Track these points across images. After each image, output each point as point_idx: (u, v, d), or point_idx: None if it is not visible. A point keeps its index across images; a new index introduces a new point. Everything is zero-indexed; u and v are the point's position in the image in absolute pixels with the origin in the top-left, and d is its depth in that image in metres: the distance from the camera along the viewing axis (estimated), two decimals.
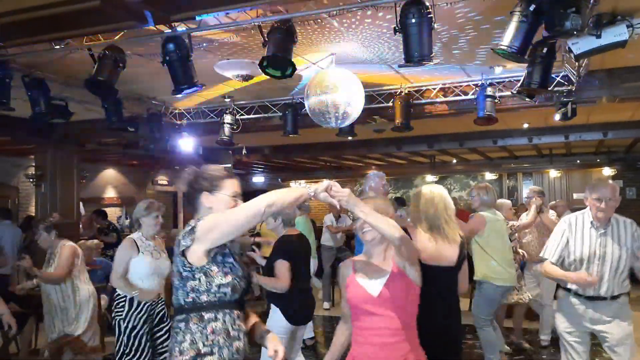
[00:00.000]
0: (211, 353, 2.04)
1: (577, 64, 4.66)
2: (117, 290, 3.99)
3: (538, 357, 5.53)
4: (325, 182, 2.09)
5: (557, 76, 5.17)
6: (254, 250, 4.49)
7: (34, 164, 7.71)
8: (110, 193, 11.93)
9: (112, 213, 11.40)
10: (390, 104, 5.90)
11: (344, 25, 4.02)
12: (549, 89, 4.90)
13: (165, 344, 3.91)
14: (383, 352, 2.29)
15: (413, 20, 3.30)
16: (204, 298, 2.09)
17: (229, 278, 2.12)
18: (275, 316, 3.87)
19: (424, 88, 5.92)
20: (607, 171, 13.09)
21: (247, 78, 4.96)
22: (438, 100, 5.91)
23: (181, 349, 2.05)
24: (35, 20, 3.26)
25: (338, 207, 2.16)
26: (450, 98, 5.84)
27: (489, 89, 5.39)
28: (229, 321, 2.11)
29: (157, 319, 4.05)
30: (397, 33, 3.38)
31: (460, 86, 5.77)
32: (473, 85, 5.68)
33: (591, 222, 3.35)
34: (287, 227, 4.01)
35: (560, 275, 3.42)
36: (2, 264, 6.07)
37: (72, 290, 4.56)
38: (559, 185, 14.95)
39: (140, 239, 4.04)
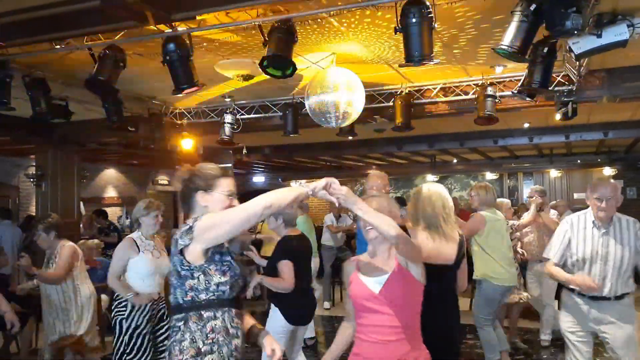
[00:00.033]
0: (211, 351, 2.05)
1: (577, 63, 4.65)
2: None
3: (538, 357, 5.53)
4: (324, 180, 2.09)
5: (558, 76, 5.17)
6: (251, 250, 4.50)
7: (34, 164, 7.69)
8: (110, 193, 11.93)
9: (113, 213, 11.40)
10: (391, 103, 5.90)
11: (344, 25, 4.02)
12: (550, 88, 4.89)
13: (165, 343, 3.91)
14: (383, 350, 2.29)
15: (413, 20, 3.29)
16: (202, 297, 2.09)
17: (228, 276, 2.13)
18: (275, 316, 3.87)
19: (424, 88, 5.92)
20: (608, 171, 13.09)
21: (247, 78, 4.96)
22: (438, 100, 5.91)
23: (181, 347, 2.05)
24: (36, 20, 3.27)
25: (337, 204, 2.17)
26: (451, 98, 5.84)
27: (489, 88, 5.38)
28: (228, 319, 2.12)
29: (157, 318, 4.05)
30: (398, 33, 3.38)
31: (461, 86, 5.77)
32: (473, 84, 5.68)
33: (593, 222, 3.35)
34: (289, 228, 4.01)
35: (563, 278, 3.42)
36: (2, 264, 6.07)
37: (73, 291, 4.56)
38: (559, 185, 14.95)
39: (140, 239, 4.04)
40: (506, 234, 4.91)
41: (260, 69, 3.87)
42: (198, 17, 3.59)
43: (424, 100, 5.94)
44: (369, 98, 5.65)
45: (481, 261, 4.71)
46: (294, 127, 6.12)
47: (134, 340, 3.89)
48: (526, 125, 8.45)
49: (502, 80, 5.58)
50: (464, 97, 5.76)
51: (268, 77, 4.00)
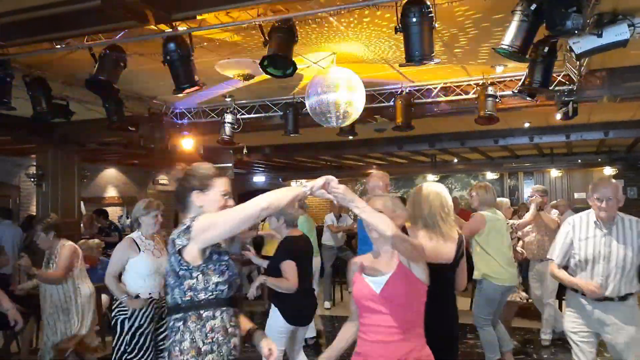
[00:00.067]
0: (211, 351, 2.06)
1: (578, 63, 4.65)
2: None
3: (539, 356, 5.53)
4: (323, 178, 2.09)
5: (559, 75, 5.17)
6: (248, 250, 4.51)
7: (35, 164, 7.71)
8: (111, 192, 11.93)
9: (113, 212, 11.40)
10: (391, 103, 5.90)
11: (343, 24, 4.02)
12: (550, 88, 4.89)
13: (165, 342, 3.91)
14: (383, 350, 2.29)
15: (414, 20, 3.29)
16: (201, 296, 2.09)
17: (226, 276, 2.15)
18: (276, 316, 3.87)
19: (425, 87, 5.92)
20: (608, 171, 13.10)
21: (248, 77, 4.96)
22: (439, 99, 5.90)
23: (181, 348, 2.06)
24: (36, 20, 3.27)
25: (335, 202, 2.17)
26: (452, 97, 5.84)
27: (490, 88, 5.38)
28: (226, 318, 2.13)
29: (158, 317, 4.05)
30: (398, 32, 3.38)
31: (461, 85, 5.76)
32: (474, 84, 5.68)
33: (595, 222, 3.34)
34: (290, 228, 4.01)
35: (567, 280, 3.43)
36: (2, 264, 6.07)
37: (74, 290, 4.57)
38: (560, 184, 14.95)
39: (140, 238, 4.04)
40: (506, 234, 4.91)
41: (260, 69, 3.87)
42: (198, 17, 3.59)
43: (425, 100, 5.94)
44: (370, 98, 5.65)
45: (481, 261, 4.70)
46: (295, 127, 6.12)
47: (135, 340, 3.88)
48: (527, 124, 8.45)
49: (502, 79, 5.58)
50: (464, 96, 5.76)
51: (268, 76, 4.00)
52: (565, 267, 3.52)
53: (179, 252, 2.10)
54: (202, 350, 2.05)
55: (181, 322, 2.09)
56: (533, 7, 3.09)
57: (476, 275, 4.72)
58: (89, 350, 4.66)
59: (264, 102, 6.56)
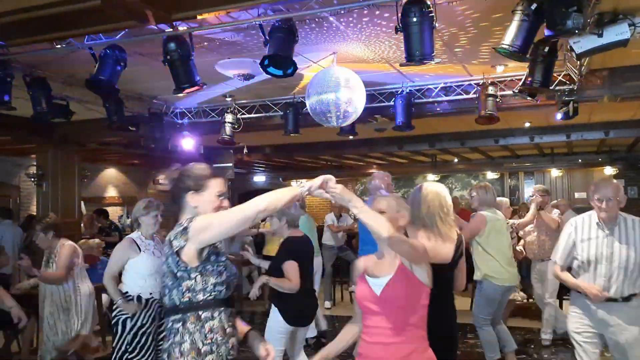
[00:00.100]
0: (211, 352, 2.06)
1: (578, 63, 4.64)
2: (123, 288, 3.96)
3: (539, 356, 5.53)
4: (320, 178, 2.09)
5: (559, 75, 5.16)
6: (247, 250, 4.51)
7: (35, 164, 7.71)
8: (111, 192, 11.94)
9: (114, 212, 11.41)
10: (392, 103, 5.90)
11: (342, 24, 4.01)
12: (551, 88, 4.89)
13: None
14: (383, 352, 2.29)
15: (414, 19, 3.29)
16: (200, 297, 2.09)
17: (224, 276, 2.15)
18: (276, 316, 3.87)
19: (425, 87, 5.92)
20: (609, 170, 13.10)
21: (248, 77, 4.96)
22: (439, 99, 5.90)
23: (181, 350, 2.05)
24: (36, 19, 3.26)
25: (333, 202, 2.17)
26: (452, 97, 5.84)
27: (490, 88, 5.38)
28: (224, 318, 2.13)
29: (159, 317, 4.05)
30: (398, 32, 3.38)
31: (462, 85, 5.76)
32: (474, 84, 5.68)
33: (597, 223, 3.33)
34: (292, 228, 4.01)
35: (571, 282, 3.42)
36: (2, 264, 6.07)
37: (74, 290, 4.57)
38: (560, 184, 14.94)
39: (140, 239, 4.03)
40: (507, 233, 4.91)
41: (261, 68, 3.87)
42: (199, 17, 3.59)
43: (425, 100, 5.94)
44: (370, 97, 5.64)
45: (482, 261, 4.70)
46: (295, 127, 6.12)
47: (137, 339, 3.87)
48: (527, 124, 8.45)
49: (503, 79, 5.58)
50: (465, 96, 5.76)
51: (269, 76, 4.00)
52: (570, 269, 3.51)
53: (177, 253, 2.09)
54: (202, 351, 2.05)
55: (180, 324, 2.09)
56: (533, 6, 3.09)
57: (477, 276, 4.72)
58: (89, 350, 4.66)
59: (264, 102, 6.56)
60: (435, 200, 2.87)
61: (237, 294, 6.69)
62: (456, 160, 13.51)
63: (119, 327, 3.89)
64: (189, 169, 2.26)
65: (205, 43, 4.29)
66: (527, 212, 6.02)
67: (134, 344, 3.86)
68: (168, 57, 3.89)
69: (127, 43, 4.06)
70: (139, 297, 3.91)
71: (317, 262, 6.63)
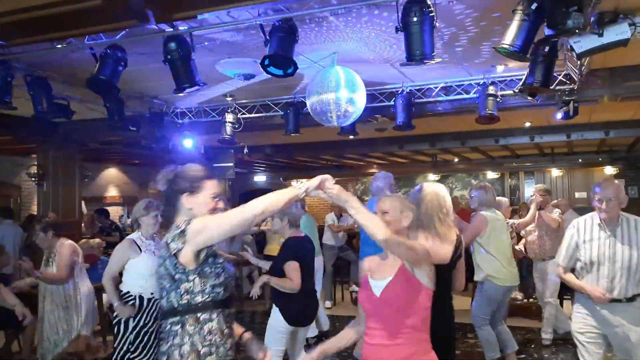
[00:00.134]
0: (210, 353, 2.07)
1: (579, 62, 4.64)
2: (124, 288, 3.97)
3: (540, 356, 5.53)
4: (318, 178, 2.09)
5: (559, 75, 5.16)
6: (246, 250, 4.51)
7: (35, 163, 7.71)
8: (112, 192, 11.95)
9: (114, 212, 11.43)
10: (392, 102, 5.90)
11: (342, 23, 4.02)
12: (551, 87, 4.89)
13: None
14: (382, 353, 2.29)
15: (415, 19, 3.29)
16: (198, 299, 2.09)
17: (222, 278, 2.15)
18: (277, 316, 3.87)
19: (425, 87, 5.92)
20: (609, 170, 13.10)
21: (248, 77, 4.96)
22: (440, 99, 5.90)
23: (181, 352, 2.05)
24: (37, 19, 3.26)
25: (330, 202, 2.17)
26: (452, 97, 5.84)
27: (490, 87, 5.38)
28: (222, 320, 2.14)
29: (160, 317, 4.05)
30: (399, 32, 3.38)
31: (462, 85, 5.76)
32: (475, 84, 5.68)
33: (599, 224, 3.33)
34: (293, 229, 4.02)
35: (575, 284, 3.42)
36: (3, 264, 6.08)
37: (74, 289, 4.57)
38: (560, 184, 14.94)
39: (140, 239, 4.03)
40: (507, 233, 4.90)
41: (261, 68, 3.87)
42: (199, 17, 3.59)
43: (425, 99, 5.94)
44: (370, 97, 5.65)
45: (484, 262, 4.69)
46: (295, 126, 6.12)
47: (139, 339, 3.87)
48: (527, 124, 8.45)
49: (503, 79, 5.58)
50: (465, 96, 5.76)
51: (269, 76, 4.00)
52: (573, 270, 3.51)
53: (175, 255, 2.09)
54: (202, 352, 2.05)
55: (179, 326, 2.08)
56: (534, 6, 3.09)
57: (479, 277, 4.70)
58: (89, 350, 4.66)
59: (264, 101, 6.56)
60: (433, 201, 2.85)
61: (238, 294, 6.69)
62: (456, 160, 13.52)
63: (121, 327, 3.89)
64: (184, 170, 2.24)
65: (206, 43, 4.30)
66: (527, 212, 6.02)
67: (136, 344, 3.86)
68: (168, 56, 3.89)
69: (127, 43, 4.07)
70: (140, 297, 3.92)
71: (318, 262, 6.64)
